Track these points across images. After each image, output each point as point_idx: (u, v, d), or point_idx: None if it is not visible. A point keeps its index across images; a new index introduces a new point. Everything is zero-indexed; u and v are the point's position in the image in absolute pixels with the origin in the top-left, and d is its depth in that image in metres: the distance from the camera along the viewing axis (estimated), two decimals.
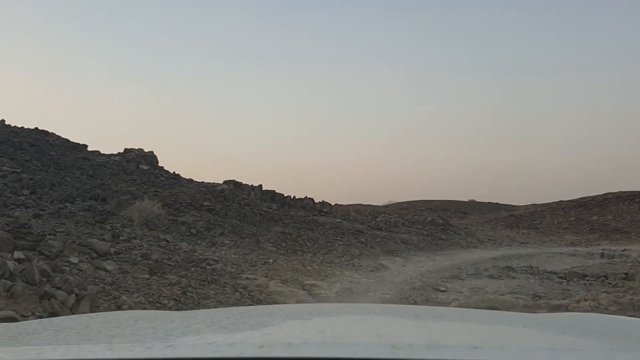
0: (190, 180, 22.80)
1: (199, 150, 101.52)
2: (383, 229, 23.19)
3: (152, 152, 23.12)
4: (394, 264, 17.65)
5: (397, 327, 1.50)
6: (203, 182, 24.38)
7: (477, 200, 58.39)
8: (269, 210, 21.09)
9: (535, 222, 40.01)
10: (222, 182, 24.21)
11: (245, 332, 1.37)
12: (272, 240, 17.31)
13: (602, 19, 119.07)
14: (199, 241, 15.51)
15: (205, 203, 18.62)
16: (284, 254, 16.14)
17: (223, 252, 14.88)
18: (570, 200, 44.31)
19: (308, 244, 18.02)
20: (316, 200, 25.64)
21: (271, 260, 14.68)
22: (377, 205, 57.41)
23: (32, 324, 1.66)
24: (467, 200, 59.06)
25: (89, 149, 22.32)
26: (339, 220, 23.31)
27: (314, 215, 23.95)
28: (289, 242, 17.53)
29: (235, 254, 14.85)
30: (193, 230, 15.98)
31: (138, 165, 21.98)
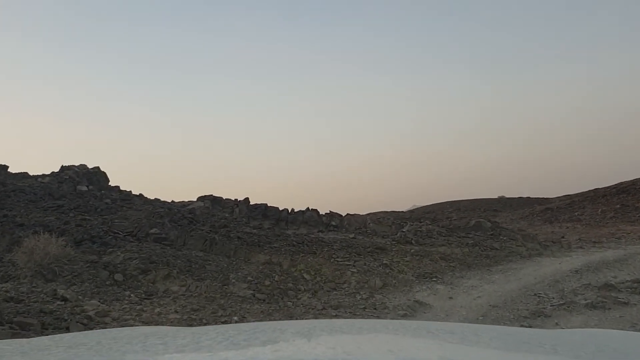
0: (148, 201, 17.08)
1: (187, 167, 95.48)
2: (413, 241, 17.24)
3: (98, 167, 17.48)
4: (435, 297, 11.68)
5: (410, 344, 1.49)
6: (172, 201, 18.68)
7: (507, 196, 55.17)
8: (253, 232, 15.21)
9: (575, 214, 35.92)
10: (196, 199, 18.49)
11: (257, 348, 1.35)
12: (249, 278, 11.47)
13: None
14: (126, 293, 9.74)
15: (153, 230, 12.85)
16: (263, 301, 10.28)
17: (159, 309, 9.08)
18: (607, 187, 40.58)
19: (306, 276, 12.15)
20: (322, 212, 19.76)
21: (236, 318, 8.87)
22: (401, 211, 52.71)
23: (44, 340, 1.66)
24: (496, 197, 55.71)
25: (11, 170, 16.75)
26: (352, 235, 17.38)
27: (319, 231, 18.04)
28: (275, 279, 11.67)
29: (177, 312, 9.03)
30: (119, 277, 10.21)
31: (76, 186, 16.36)
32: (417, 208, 62.68)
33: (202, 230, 14.28)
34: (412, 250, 15.91)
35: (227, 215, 17.18)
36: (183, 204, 17.72)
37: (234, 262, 12.26)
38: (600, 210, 35.23)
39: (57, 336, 1.83)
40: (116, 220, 13.21)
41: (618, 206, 34.92)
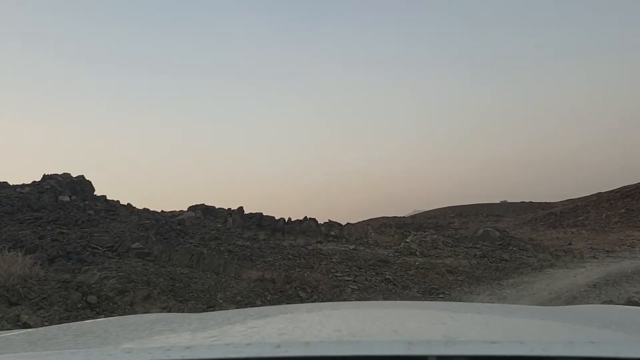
0: (135, 211, 16.04)
1: (184, 176, 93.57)
2: (417, 252, 16.21)
3: (83, 176, 16.46)
4: None
5: (414, 324, 1.48)
6: (162, 211, 17.65)
7: (509, 200, 55.36)
8: (246, 244, 14.17)
9: (579, 219, 35.61)
10: (187, 209, 17.46)
11: (263, 332, 1.35)
12: (238, 298, 10.44)
13: None
14: (99, 317, 8.70)
15: (136, 245, 11.82)
16: None
17: None
18: (610, 191, 40.92)
19: (301, 294, 11.12)
20: (321, 221, 18.71)
21: None
22: (403, 217, 52.04)
23: (53, 329, 1.66)
24: (498, 201, 55.95)
25: None
26: (352, 246, 16.34)
27: (317, 242, 17.00)
28: (268, 298, 10.63)
29: None
30: (92, 298, 9.19)
31: (57, 196, 15.35)
32: (419, 213, 62.19)
33: (191, 242, 13.26)
34: (416, 263, 14.87)
35: (219, 225, 16.16)
36: (173, 214, 16.70)
37: (223, 280, 11.23)
38: (604, 214, 34.86)
39: (65, 325, 1.85)
40: (96, 234, 12.18)
41: (623, 210, 34.41)
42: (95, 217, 14.30)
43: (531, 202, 53.07)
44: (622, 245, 23.65)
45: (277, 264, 12.90)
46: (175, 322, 1.59)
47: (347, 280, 12.39)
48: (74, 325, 1.81)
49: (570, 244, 25.09)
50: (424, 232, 19.54)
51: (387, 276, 13.19)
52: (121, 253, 11.54)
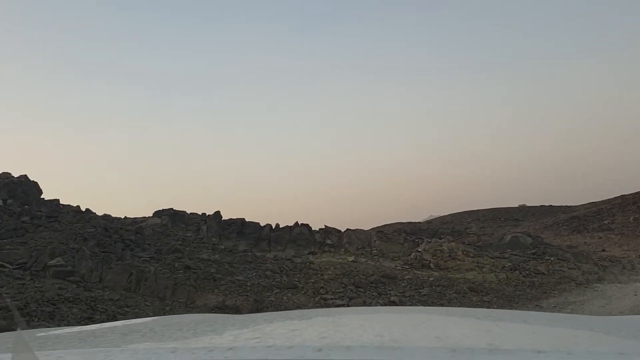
0: (85, 217, 13.15)
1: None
2: (431, 264, 13.15)
3: (26, 176, 13.63)
4: None
5: (458, 331, 1.39)
6: (125, 217, 14.78)
7: (528, 204, 53.44)
8: (212, 259, 11.17)
9: (605, 222, 33.86)
10: (152, 214, 14.55)
11: (304, 335, 1.31)
12: None
13: None
14: None
15: (55, 261, 8.90)
16: None
17: None
18: (635, 193, 39.26)
19: None
20: (317, 227, 15.70)
21: None
22: (418, 222, 49.94)
23: (103, 327, 1.70)
24: (516, 205, 54.11)
25: None
26: (352, 258, 13.29)
27: (310, 252, 14.00)
28: None
29: None
30: None
31: None
32: (434, 218, 60.64)
33: (140, 257, 10.34)
34: (430, 279, 11.79)
35: (189, 234, 13.23)
36: (135, 221, 13.80)
37: (168, 308, 8.27)
38: (632, 217, 32.86)
39: (114, 323, 1.88)
40: (7, 247, 9.32)
41: None
42: (29, 225, 11.47)
43: (551, 205, 50.99)
44: None
45: (249, 284, 9.91)
46: (219, 323, 1.60)
47: (338, 305, 9.37)
48: (121, 323, 1.85)
49: (604, 250, 22.80)
50: (440, 238, 16.40)
51: (392, 297, 10.17)
52: (35, 272, 8.66)
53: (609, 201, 41.26)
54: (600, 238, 30.64)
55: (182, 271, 9.88)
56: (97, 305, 7.81)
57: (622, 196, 40.76)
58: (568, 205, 49.73)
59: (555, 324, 1.60)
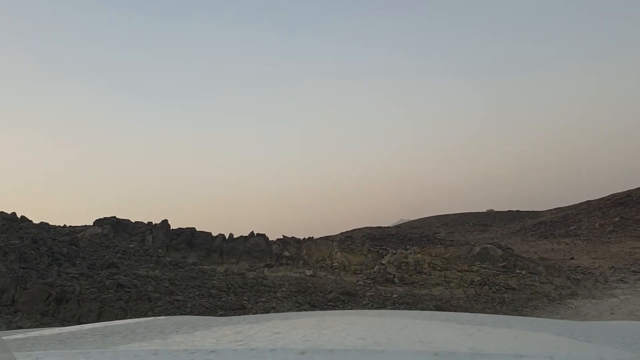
0: (13, 225, 11.79)
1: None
2: (395, 279, 12.22)
3: None
4: None
5: (440, 334, 1.44)
6: (64, 225, 13.45)
7: (496, 209, 54.21)
8: (152, 275, 10.00)
9: (572, 228, 34.16)
10: (93, 223, 13.26)
11: (287, 338, 1.30)
12: None
13: None
14: None
15: None
16: None
17: None
18: (600, 199, 40.09)
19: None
20: (279, 236, 14.64)
21: None
22: (387, 227, 49.78)
23: (83, 328, 1.67)
24: (484, 210, 54.79)
25: None
26: (310, 272, 12.27)
27: (266, 265, 12.92)
28: None
29: None
30: None
31: None
32: (404, 223, 60.96)
33: (69, 273, 9.11)
34: (394, 296, 10.85)
35: (132, 246, 12.01)
36: (73, 230, 12.51)
37: None
38: (598, 223, 33.16)
39: (94, 324, 1.82)
40: None
41: (617, 219, 33.02)
42: None
43: (518, 210, 51.81)
44: (637, 260, 20.29)
45: (189, 305, 8.78)
46: (201, 325, 1.58)
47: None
48: (101, 325, 1.80)
49: (572, 258, 22.52)
50: (406, 249, 15.50)
51: None
52: None
53: (575, 207, 41.55)
54: (567, 244, 30.62)
55: (113, 290, 8.69)
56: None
57: (588, 202, 41.09)
58: (535, 210, 50.28)
59: (537, 329, 1.63)
